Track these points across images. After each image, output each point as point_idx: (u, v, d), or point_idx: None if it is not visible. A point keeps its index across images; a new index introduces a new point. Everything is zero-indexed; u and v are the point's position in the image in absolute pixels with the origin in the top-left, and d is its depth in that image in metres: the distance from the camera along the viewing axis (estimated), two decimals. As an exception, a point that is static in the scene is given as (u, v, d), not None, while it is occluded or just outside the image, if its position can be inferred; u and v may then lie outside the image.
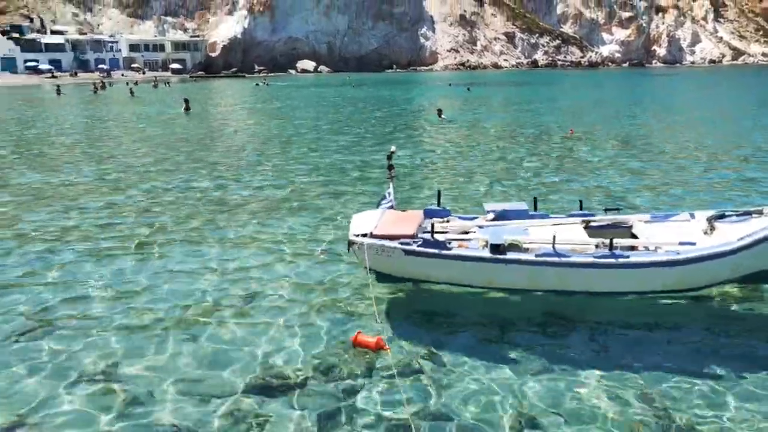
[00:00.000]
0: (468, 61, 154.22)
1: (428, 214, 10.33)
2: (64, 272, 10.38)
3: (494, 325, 8.26)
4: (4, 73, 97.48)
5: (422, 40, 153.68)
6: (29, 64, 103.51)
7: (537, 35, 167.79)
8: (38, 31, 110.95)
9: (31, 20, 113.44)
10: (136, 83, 74.64)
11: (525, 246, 9.04)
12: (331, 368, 7.19)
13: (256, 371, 7.16)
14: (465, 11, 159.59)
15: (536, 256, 8.79)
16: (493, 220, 10.34)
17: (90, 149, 25.10)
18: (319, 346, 7.72)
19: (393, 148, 11.39)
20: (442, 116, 35.40)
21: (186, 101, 41.30)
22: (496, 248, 8.80)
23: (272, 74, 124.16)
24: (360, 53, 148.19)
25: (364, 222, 9.63)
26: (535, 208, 10.93)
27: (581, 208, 10.89)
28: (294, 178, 18.13)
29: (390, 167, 10.94)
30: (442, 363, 7.32)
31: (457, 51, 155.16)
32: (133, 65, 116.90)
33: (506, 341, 7.85)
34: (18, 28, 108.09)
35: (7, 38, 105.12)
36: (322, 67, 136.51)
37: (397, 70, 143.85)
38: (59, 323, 8.44)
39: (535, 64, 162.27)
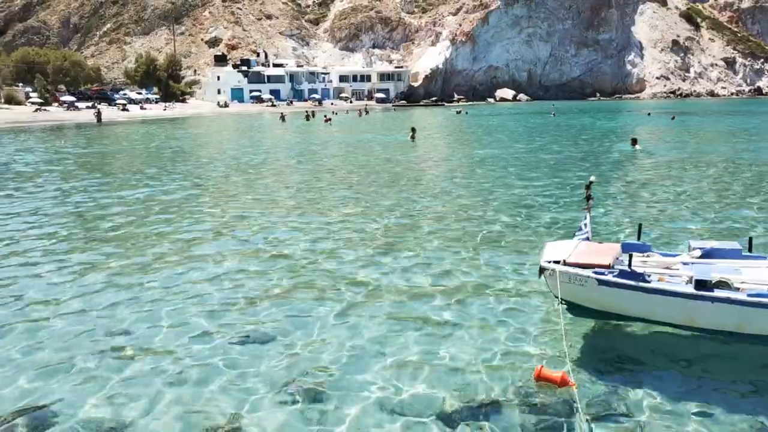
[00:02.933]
0: (679, 88, 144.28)
1: (626, 248, 9.93)
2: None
3: (694, 370, 7.71)
4: (233, 101, 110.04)
5: (629, 66, 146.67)
6: (253, 93, 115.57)
7: (762, 60, 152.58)
8: (263, 65, 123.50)
9: (258, 55, 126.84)
10: (332, 113, 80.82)
11: (736, 285, 8.40)
12: (513, 401, 7.02)
13: (437, 401, 7.09)
14: (678, 36, 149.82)
15: (748, 296, 8.14)
16: (700, 258, 9.72)
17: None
18: (502, 378, 7.55)
19: (592, 178, 11.17)
20: (637, 146, 33.66)
21: (413, 129, 44.47)
22: (701, 284, 8.27)
23: (470, 103, 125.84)
24: (561, 81, 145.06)
25: (558, 250, 9.52)
26: (750, 249, 10.03)
27: (807, 252, 9.85)
28: (487, 203, 18.29)
29: (588, 197, 10.72)
30: (632, 406, 6.91)
31: (667, 78, 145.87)
32: (341, 95, 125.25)
33: (707, 390, 7.27)
34: (247, 62, 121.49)
35: (238, 71, 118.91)
36: (521, 96, 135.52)
37: (601, 98, 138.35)
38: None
39: (759, 91, 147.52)
